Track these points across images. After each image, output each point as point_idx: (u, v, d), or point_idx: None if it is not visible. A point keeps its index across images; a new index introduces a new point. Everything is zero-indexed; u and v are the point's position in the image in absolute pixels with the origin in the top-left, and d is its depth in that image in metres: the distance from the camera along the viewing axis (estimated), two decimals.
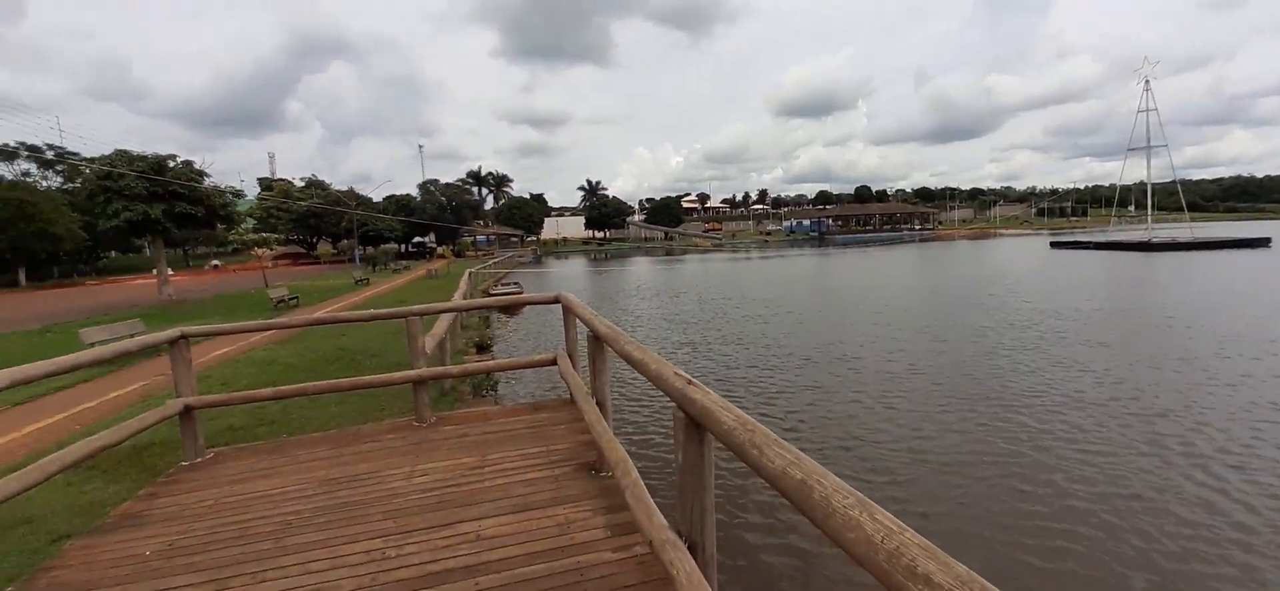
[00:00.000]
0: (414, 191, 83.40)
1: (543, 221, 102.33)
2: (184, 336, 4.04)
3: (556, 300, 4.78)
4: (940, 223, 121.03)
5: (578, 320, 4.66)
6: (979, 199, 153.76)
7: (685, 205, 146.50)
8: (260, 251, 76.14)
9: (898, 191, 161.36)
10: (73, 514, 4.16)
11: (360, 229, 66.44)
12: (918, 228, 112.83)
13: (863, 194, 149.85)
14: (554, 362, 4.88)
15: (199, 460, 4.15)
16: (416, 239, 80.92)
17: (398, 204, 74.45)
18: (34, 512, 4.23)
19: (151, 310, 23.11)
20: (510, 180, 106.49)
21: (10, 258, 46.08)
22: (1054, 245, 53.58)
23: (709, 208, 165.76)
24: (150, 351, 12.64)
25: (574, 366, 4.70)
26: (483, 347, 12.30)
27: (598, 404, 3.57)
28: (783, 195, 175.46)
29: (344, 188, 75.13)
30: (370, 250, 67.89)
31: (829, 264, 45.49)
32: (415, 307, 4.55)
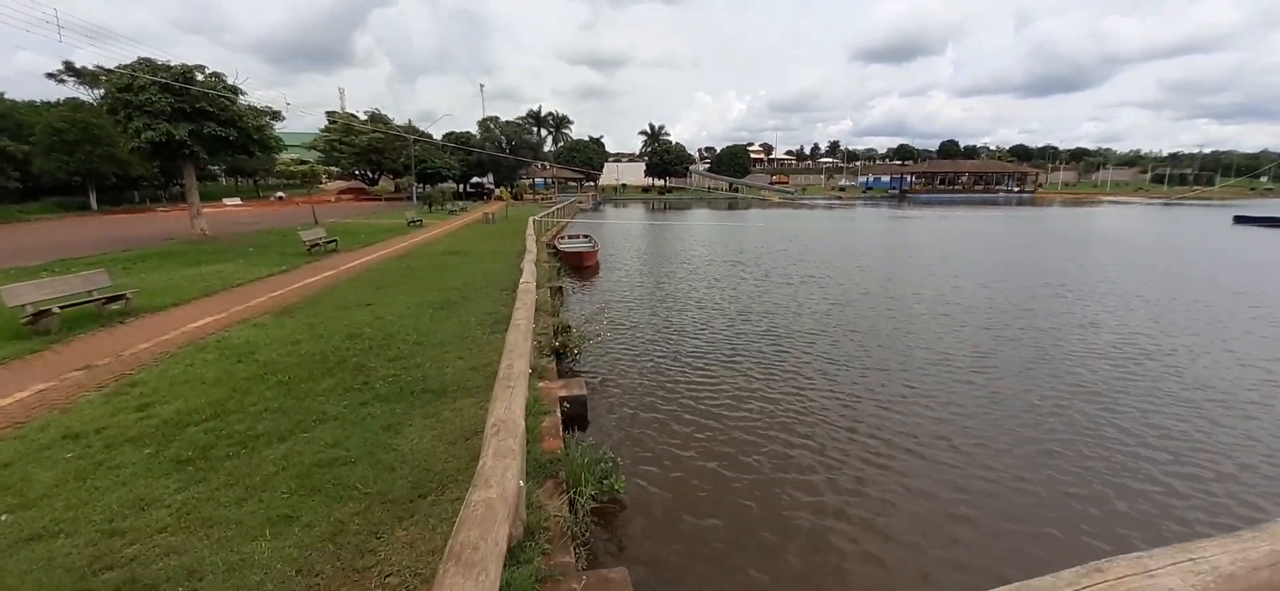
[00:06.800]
0: (474, 129, 79.87)
1: (602, 166, 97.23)
2: None
3: None
4: (1040, 185, 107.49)
5: None
6: (1084, 160, 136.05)
7: (751, 155, 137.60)
8: (326, 184, 75.07)
9: (983, 147, 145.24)
10: None
11: (418, 166, 63.76)
12: (1015, 189, 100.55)
13: (949, 149, 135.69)
14: None
15: None
16: (474, 179, 78.09)
17: (456, 140, 71.27)
18: None
19: (177, 245, 20.48)
20: (570, 121, 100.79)
21: (81, 180, 45.73)
22: (1240, 220, 42.66)
23: (774, 159, 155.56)
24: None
25: None
26: (561, 354, 8.09)
27: None
28: (851, 148, 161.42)
29: (405, 123, 72.60)
30: (427, 189, 65.50)
31: (949, 227, 38.70)
32: None
